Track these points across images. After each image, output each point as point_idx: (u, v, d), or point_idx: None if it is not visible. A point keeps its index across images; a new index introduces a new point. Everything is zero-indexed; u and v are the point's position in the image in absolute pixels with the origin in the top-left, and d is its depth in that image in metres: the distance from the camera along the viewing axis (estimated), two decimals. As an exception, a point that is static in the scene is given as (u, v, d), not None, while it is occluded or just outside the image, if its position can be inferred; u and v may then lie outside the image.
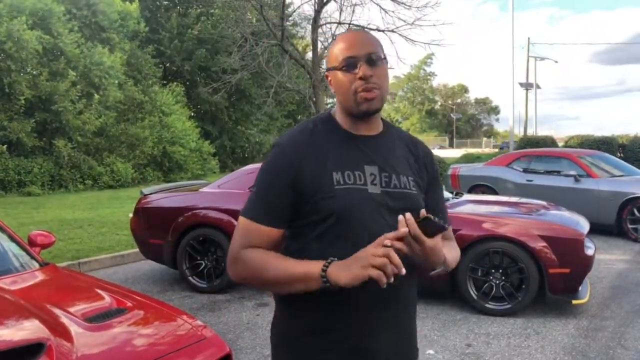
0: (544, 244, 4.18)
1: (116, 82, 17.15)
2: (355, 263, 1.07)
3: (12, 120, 13.95)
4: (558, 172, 8.21)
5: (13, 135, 13.81)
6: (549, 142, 19.01)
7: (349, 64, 1.22)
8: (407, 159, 1.31)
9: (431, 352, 3.55)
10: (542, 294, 4.19)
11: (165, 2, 25.34)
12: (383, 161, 1.26)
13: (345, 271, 1.07)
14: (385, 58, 1.27)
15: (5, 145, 13.83)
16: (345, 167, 1.22)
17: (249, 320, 4.19)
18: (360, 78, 1.20)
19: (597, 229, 6.93)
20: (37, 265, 2.61)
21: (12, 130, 13.77)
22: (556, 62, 43.87)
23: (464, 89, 73.59)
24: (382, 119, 1.33)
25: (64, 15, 15.91)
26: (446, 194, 5.25)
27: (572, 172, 7.92)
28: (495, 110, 74.37)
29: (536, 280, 4.16)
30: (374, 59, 1.22)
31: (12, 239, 2.76)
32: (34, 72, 14.78)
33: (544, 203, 5.49)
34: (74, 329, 1.85)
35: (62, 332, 1.81)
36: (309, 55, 16.73)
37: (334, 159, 1.22)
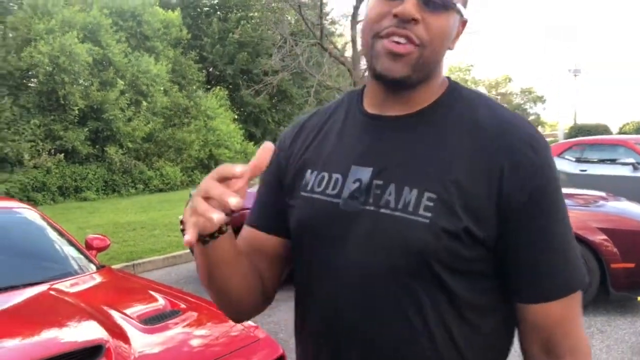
0: (604, 237, 3.97)
1: (162, 88, 17.66)
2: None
3: (67, 129, 14.60)
4: (614, 161, 7.81)
5: (69, 144, 14.46)
6: (602, 129, 18.20)
7: None
8: (463, 161, 0.74)
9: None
10: (605, 291, 3.98)
11: (206, 9, 25.83)
12: (392, 160, 0.77)
13: None
14: (458, 10, 0.76)
15: (62, 154, 14.49)
16: (326, 164, 0.83)
17: (299, 320, 4.18)
18: (395, 15, 0.73)
19: (661, 220, 6.54)
20: (94, 268, 2.69)
21: (68, 139, 14.42)
22: (606, 45, 41.83)
23: (507, 79, 71.67)
24: (452, 83, 0.83)
25: (111, 27, 16.49)
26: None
27: (630, 160, 7.51)
28: (541, 99, 72.10)
29: (597, 276, 3.96)
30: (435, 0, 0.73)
31: (71, 243, 2.87)
32: (86, 83, 15.39)
33: (602, 194, 5.22)
34: (130, 331, 1.89)
35: (119, 334, 1.85)
36: (349, 52, 16.66)
37: (319, 150, 0.85)
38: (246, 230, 0.92)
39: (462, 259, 0.73)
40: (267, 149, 0.69)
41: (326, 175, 0.82)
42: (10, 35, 15.00)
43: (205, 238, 0.73)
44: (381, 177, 0.77)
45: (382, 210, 0.75)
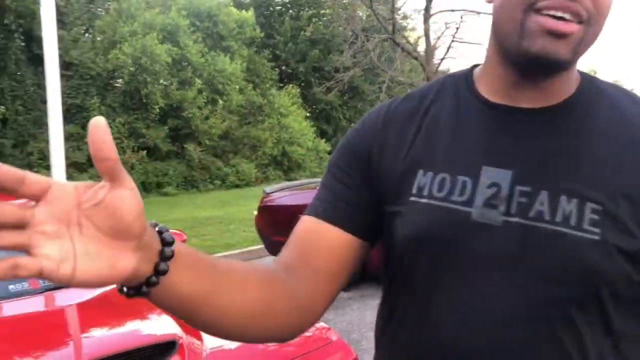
0: None
1: (237, 87, 18.18)
2: None
3: (149, 127, 15.38)
4: None
5: (150, 142, 15.23)
6: None
7: None
8: (622, 166, 0.62)
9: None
10: None
11: (278, 7, 26.25)
12: (536, 162, 0.64)
13: None
14: None
15: (145, 151, 15.29)
16: (445, 164, 0.68)
17: (373, 320, 4.04)
18: None
19: None
20: (170, 262, 2.73)
21: (150, 137, 15.19)
22: None
23: (592, 72, 67.63)
24: (584, 73, 0.70)
25: (188, 28, 17.16)
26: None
27: None
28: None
29: None
30: None
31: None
32: (166, 83, 16.14)
33: None
34: (203, 327, 1.87)
35: (192, 330, 1.83)
36: (421, 47, 16.27)
37: (429, 145, 0.70)
38: (312, 223, 0.73)
39: (632, 283, 0.61)
40: (99, 126, 0.44)
41: (447, 177, 0.67)
42: (98, 38, 16.01)
43: (141, 288, 0.52)
44: (526, 182, 0.63)
45: (535, 224, 0.61)
